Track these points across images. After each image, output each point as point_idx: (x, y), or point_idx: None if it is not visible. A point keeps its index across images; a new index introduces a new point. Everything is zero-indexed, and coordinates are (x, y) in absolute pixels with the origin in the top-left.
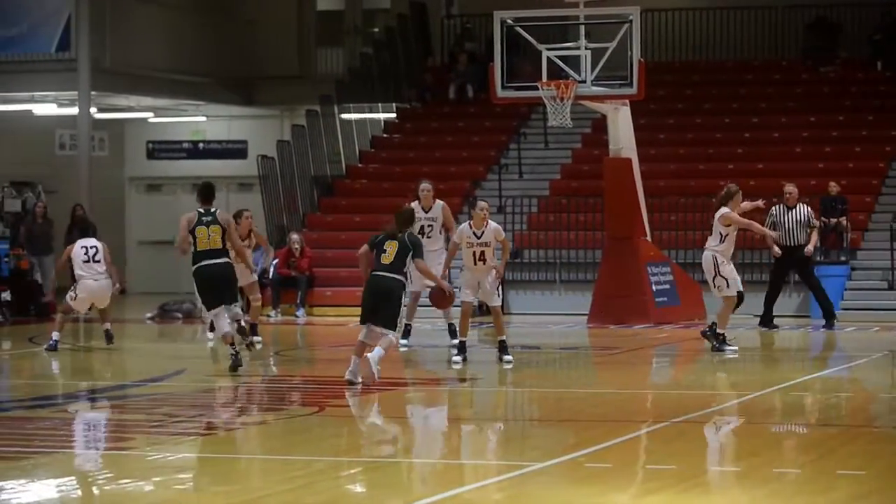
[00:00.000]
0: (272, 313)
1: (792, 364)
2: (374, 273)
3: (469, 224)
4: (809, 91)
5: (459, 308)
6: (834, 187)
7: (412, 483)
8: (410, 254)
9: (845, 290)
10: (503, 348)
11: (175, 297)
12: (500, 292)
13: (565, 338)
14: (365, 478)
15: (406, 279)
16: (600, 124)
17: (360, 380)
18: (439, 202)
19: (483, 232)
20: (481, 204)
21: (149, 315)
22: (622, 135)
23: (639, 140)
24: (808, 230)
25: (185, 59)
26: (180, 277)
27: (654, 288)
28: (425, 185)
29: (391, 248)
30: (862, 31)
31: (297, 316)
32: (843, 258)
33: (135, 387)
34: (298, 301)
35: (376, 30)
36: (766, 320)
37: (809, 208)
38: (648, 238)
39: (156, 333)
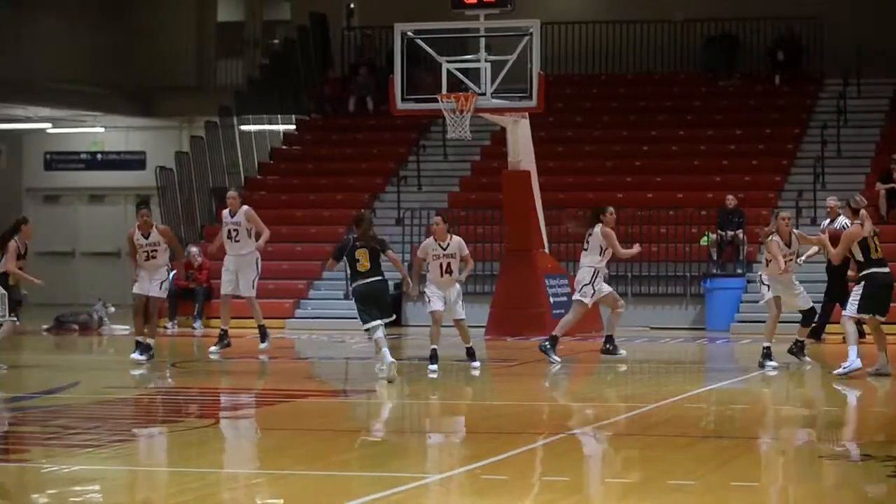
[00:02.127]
0: (169, 325)
1: (687, 376)
2: (357, 284)
3: (433, 238)
4: (708, 104)
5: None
6: (731, 200)
7: (308, 495)
8: (380, 252)
9: (741, 302)
10: (471, 355)
11: (71, 308)
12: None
13: (463, 350)
14: (260, 490)
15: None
16: (500, 137)
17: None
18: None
19: (448, 244)
20: (436, 218)
21: (45, 327)
22: (521, 147)
23: (538, 152)
24: None
25: (84, 69)
26: (77, 289)
27: (551, 300)
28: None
29: (363, 255)
30: (760, 46)
31: (194, 328)
32: (739, 271)
33: (30, 399)
34: (196, 313)
35: (276, 41)
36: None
37: (848, 221)
38: (546, 250)
39: (52, 345)
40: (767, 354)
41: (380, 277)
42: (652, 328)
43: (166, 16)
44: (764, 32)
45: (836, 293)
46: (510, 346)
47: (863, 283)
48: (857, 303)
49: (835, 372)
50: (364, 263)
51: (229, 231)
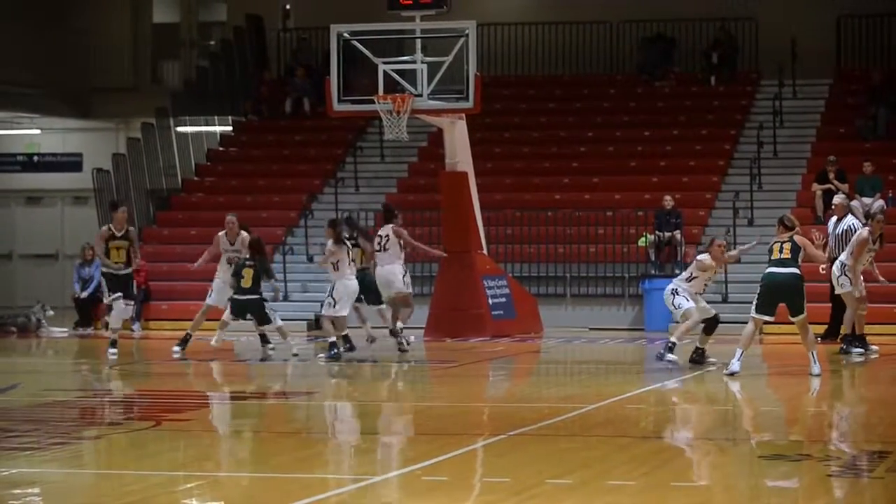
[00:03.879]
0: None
1: (626, 377)
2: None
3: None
4: (644, 105)
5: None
6: (668, 201)
7: (248, 497)
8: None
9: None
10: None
11: (10, 310)
12: None
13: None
14: (201, 492)
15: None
16: (437, 138)
17: None
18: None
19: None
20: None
21: None
22: (458, 148)
23: (475, 154)
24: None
25: (19, 71)
26: (14, 291)
27: (490, 301)
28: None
29: (247, 274)
30: (696, 47)
31: (132, 330)
32: (677, 271)
33: None
34: (133, 315)
35: (212, 42)
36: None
37: (856, 221)
38: (485, 251)
39: None
40: (670, 349)
41: (253, 296)
42: (591, 329)
43: (102, 17)
44: (700, 33)
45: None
46: (449, 348)
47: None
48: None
49: (723, 372)
50: (248, 280)
51: (229, 259)
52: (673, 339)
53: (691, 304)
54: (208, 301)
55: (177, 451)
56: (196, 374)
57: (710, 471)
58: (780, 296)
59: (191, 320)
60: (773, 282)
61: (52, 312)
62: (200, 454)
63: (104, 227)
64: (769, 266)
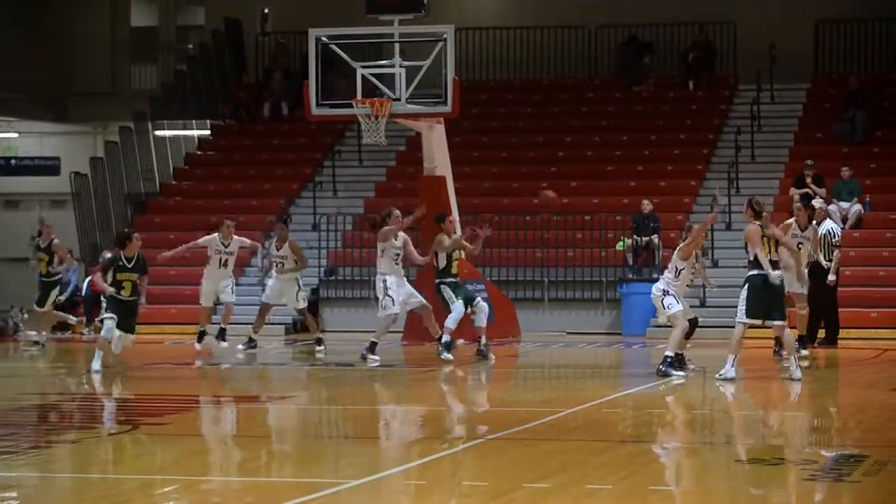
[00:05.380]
0: (85, 331)
1: (604, 381)
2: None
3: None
4: (622, 110)
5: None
6: (647, 205)
7: (227, 501)
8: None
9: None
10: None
11: None
12: None
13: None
14: (178, 497)
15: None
16: (415, 142)
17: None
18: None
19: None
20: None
21: None
22: (437, 153)
23: (453, 158)
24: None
25: None
26: None
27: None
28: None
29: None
30: (674, 51)
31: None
32: (654, 276)
33: None
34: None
35: (190, 46)
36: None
37: (833, 224)
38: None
39: None
40: (671, 363)
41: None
42: (568, 333)
43: (80, 20)
44: (678, 37)
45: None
46: (428, 351)
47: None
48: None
49: (715, 376)
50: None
51: (221, 259)
52: (668, 353)
53: (680, 307)
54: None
55: (154, 455)
56: (175, 378)
57: (687, 475)
58: (768, 299)
59: (169, 323)
60: (763, 284)
61: (27, 316)
62: (178, 458)
63: (108, 255)
64: (755, 267)
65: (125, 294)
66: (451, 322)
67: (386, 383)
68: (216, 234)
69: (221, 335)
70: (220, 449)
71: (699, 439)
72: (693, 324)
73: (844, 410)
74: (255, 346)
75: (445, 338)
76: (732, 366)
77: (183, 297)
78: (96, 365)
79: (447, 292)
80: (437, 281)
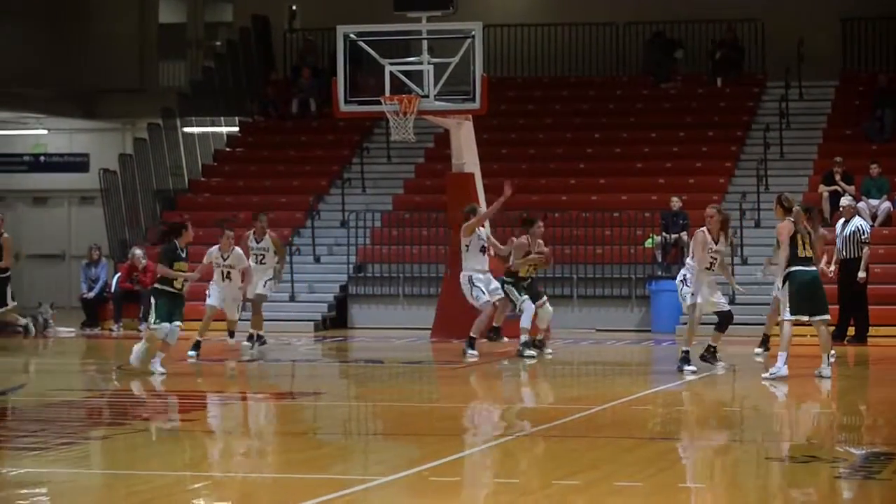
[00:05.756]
0: (114, 328)
1: (633, 378)
2: None
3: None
4: (650, 107)
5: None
6: (675, 202)
7: (255, 498)
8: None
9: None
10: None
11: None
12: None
13: (409, 352)
14: (208, 493)
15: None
16: (443, 139)
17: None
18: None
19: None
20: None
21: None
22: (465, 150)
23: (481, 155)
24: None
25: (26, 71)
26: (19, 292)
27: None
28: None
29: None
30: (701, 48)
31: (139, 330)
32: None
33: None
34: (141, 315)
35: (218, 43)
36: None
37: (863, 222)
38: (491, 252)
39: None
40: (686, 359)
41: (153, 284)
42: (598, 330)
43: (108, 18)
44: (706, 34)
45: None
46: (456, 349)
47: (786, 283)
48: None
49: (763, 376)
50: None
51: (256, 257)
52: (684, 347)
53: (696, 298)
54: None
55: (184, 452)
56: (204, 375)
57: (717, 472)
58: (811, 295)
59: (197, 320)
60: (804, 280)
61: (52, 311)
62: (208, 454)
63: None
64: (795, 264)
65: (177, 285)
66: (525, 322)
67: (415, 380)
68: (250, 232)
69: (254, 340)
70: (250, 445)
71: (729, 436)
72: (724, 318)
73: (874, 408)
74: (264, 342)
75: (524, 338)
76: (784, 364)
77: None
78: (158, 366)
79: (513, 292)
80: (500, 279)
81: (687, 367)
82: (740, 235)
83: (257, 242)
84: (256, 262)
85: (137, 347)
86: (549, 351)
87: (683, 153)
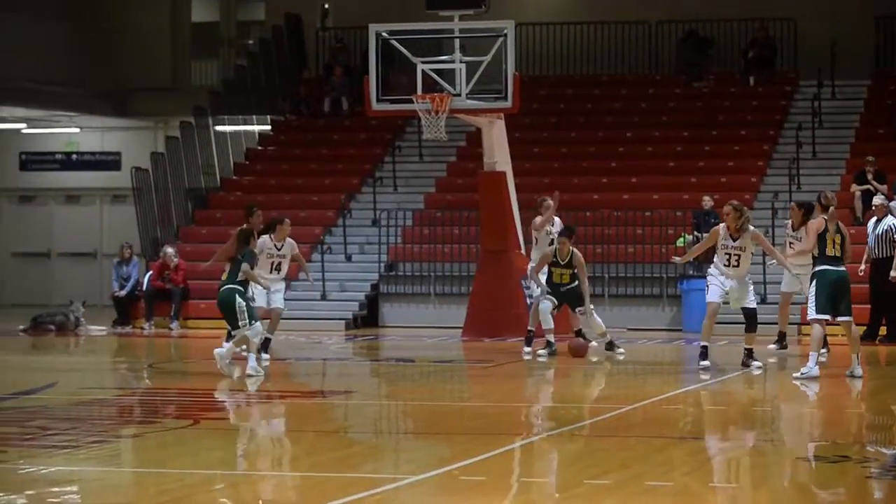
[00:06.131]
0: (146, 326)
1: (665, 377)
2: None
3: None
4: (683, 105)
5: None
6: (707, 201)
7: (286, 496)
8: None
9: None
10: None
11: (48, 308)
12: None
13: (440, 351)
14: (238, 492)
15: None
16: (475, 137)
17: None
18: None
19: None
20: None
21: (21, 327)
22: (497, 148)
23: (513, 153)
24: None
25: (59, 69)
26: (52, 289)
27: (528, 301)
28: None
29: (231, 263)
30: (734, 47)
31: (170, 328)
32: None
33: (7, 399)
34: (172, 313)
35: (251, 41)
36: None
37: (895, 220)
38: (523, 252)
39: (28, 345)
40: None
41: (229, 285)
42: (629, 329)
43: (141, 16)
44: (738, 33)
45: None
46: (487, 348)
47: (814, 281)
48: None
49: (794, 375)
50: (228, 270)
51: (273, 263)
52: (703, 342)
53: (712, 296)
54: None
55: (214, 450)
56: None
57: (747, 472)
58: (835, 294)
59: (208, 318)
60: (830, 279)
61: (83, 310)
62: (237, 453)
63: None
64: (822, 263)
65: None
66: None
67: (446, 379)
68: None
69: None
70: (280, 444)
71: (760, 436)
72: (747, 316)
73: None
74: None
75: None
76: (815, 364)
77: None
78: (254, 366)
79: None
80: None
81: (702, 362)
82: (772, 235)
83: (278, 249)
84: (272, 269)
85: (223, 351)
86: (539, 352)
87: (715, 152)
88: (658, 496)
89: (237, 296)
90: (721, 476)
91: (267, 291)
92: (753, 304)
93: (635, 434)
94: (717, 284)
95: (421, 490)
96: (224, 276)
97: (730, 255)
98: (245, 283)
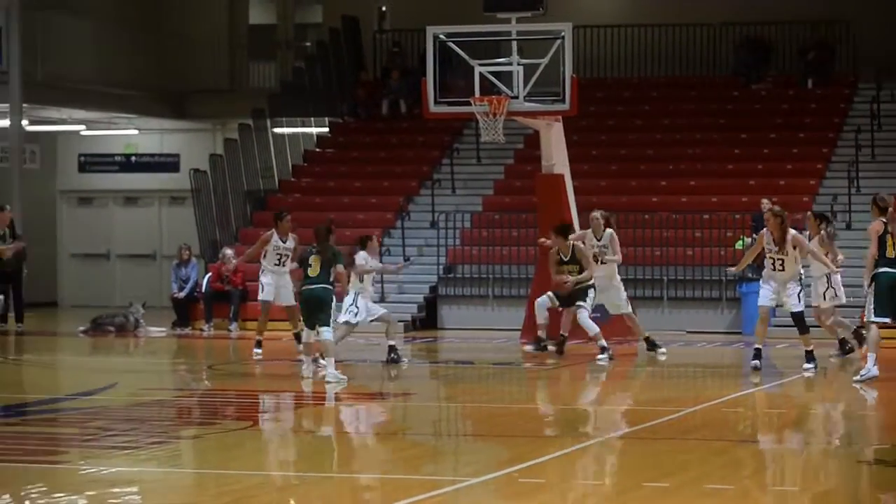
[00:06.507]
0: (205, 327)
1: (725, 380)
2: (303, 287)
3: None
4: (741, 108)
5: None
6: (766, 204)
7: (346, 498)
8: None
9: (777, 306)
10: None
11: (107, 310)
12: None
13: (498, 353)
14: (298, 493)
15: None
16: (533, 140)
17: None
18: (609, 230)
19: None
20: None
21: (81, 328)
22: (555, 151)
23: (571, 156)
24: None
25: (118, 71)
26: (112, 291)
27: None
28: (595, 214)
29: (315, 262)
30: (792, 49)
31: (230, 330)
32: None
33: (67, 400)
34: (231, 315)
35: (308, 44)
36: None
37: None
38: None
39: (88, 347)
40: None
41: (322, 285)
42: (688, 332)
43: (199, 18)
44: (796, 36)
45: None
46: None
47: (873, 284)
48: (871, 306)
49: (854, 378)
50: (314, 269)
51: (280, 257)
52: (756, 345)
53: (762, 301)
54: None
55: (274, 452)
56: (293, 375)
57: (807, 476)
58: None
59: (285, 320)
60: (890, 281)
61: (143, 311)
62: (298, 455)
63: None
64: (882, 265)
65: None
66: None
67: (505, 381)
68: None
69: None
70: (339, 446)
71: (820, 440)
72: (794, 319)
73: None
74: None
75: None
76: (874, 365)
77: None
78: (333, 373)
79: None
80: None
81: (753, 362)
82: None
83: (283, 242)
84: (279, 263)
85: (329, 361)
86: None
87: (774, 155)
88: (718, 499)
89: (333, 297)
90: (781, 479)
91: (272, 281)
92: (797, 308)
93: (695, 437)
94: (768, 288)
95: (480, 492)
96: (311, 274)
97: (774, 260)
98: (333, 284)
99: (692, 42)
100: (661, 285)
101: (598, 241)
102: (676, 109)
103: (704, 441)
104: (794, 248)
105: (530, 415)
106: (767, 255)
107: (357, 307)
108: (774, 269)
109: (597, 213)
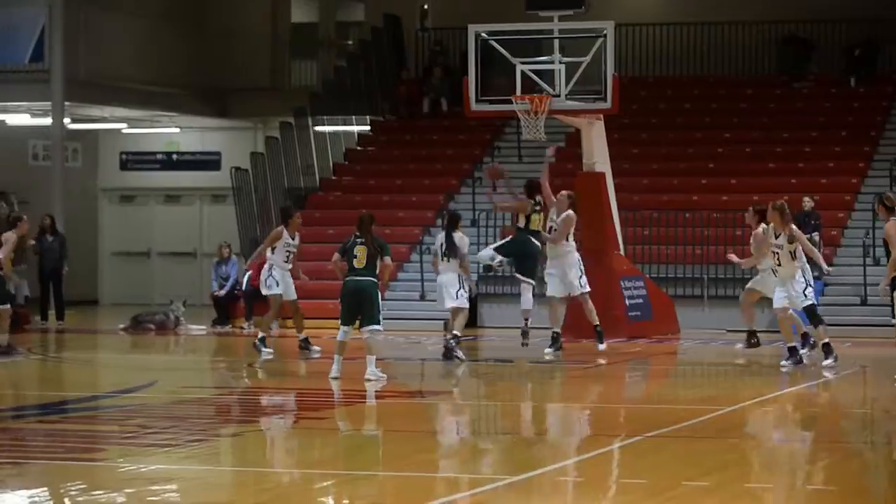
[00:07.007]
0: (245, 325)
1: (764, 379)
2: (348, 279)
3: None
4: (782, 106)
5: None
6: (808, 202)
7: (385, 496)
8: (380, 255)
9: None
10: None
11: (148, 308)
12: None
13: (538, 352)
14: (338, 491)
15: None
16: (574, 138)
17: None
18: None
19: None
20: None
21: (122, 326)
22: (596, 149)
23: (612, 154)
24: None
25: (159, 70)
26: (152, 289)
27: (627, 302)
28: (562, 193)
29: (360, 252)
30: (834, 48)
31: (270, 328)
32: (815, 274)
33: (107, 398)
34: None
35: (350, 42)
36: None
37: None
38: (622, 252)
39: (128, 344)
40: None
41: (371, 278)
42: (728, 331)
43: (241, 17)
44: (838, 34)
45: None
46: (586, 349)
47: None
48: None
49: (895, 377)
50: (360, 260)
51: (288, 254)
52: (788, 344)
53: (776, 303)
54: None
55: (313, 450)
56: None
57: (847, 475)
58: None
59: (324, 318)
60: None
61: (183, 309)
62: (337, 452)
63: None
64: None
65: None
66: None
67: (544, 380)
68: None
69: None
70: (378, 444)
71: (860, 439)
72: (807, 313)
73: None
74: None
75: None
76: None
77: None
78: (373, 371)
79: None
80: None
81: (785, 362)
82: (872, 237)
83: (292, 239)
84: (287, 260)
85: (371, 359)
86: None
87: (816, 153)
88: (757, 498)
89: (378, 292)
90: (820, 478)
91: (282, 276)
92: (806, 302)
93: (735, 435)
94: (781, 291)
95: (520, 490)
96: (357, 266)
97: (775, 253)
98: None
99: (734, 40)
100: (701, 284)
101: (556, 218)
102: (718, 108)
103: (745, 439)
104: (791, 242)
105: (569, 413)
106: (771, 250)
107: (465, 289)
108: (779, 264)
109: (563, 194)
